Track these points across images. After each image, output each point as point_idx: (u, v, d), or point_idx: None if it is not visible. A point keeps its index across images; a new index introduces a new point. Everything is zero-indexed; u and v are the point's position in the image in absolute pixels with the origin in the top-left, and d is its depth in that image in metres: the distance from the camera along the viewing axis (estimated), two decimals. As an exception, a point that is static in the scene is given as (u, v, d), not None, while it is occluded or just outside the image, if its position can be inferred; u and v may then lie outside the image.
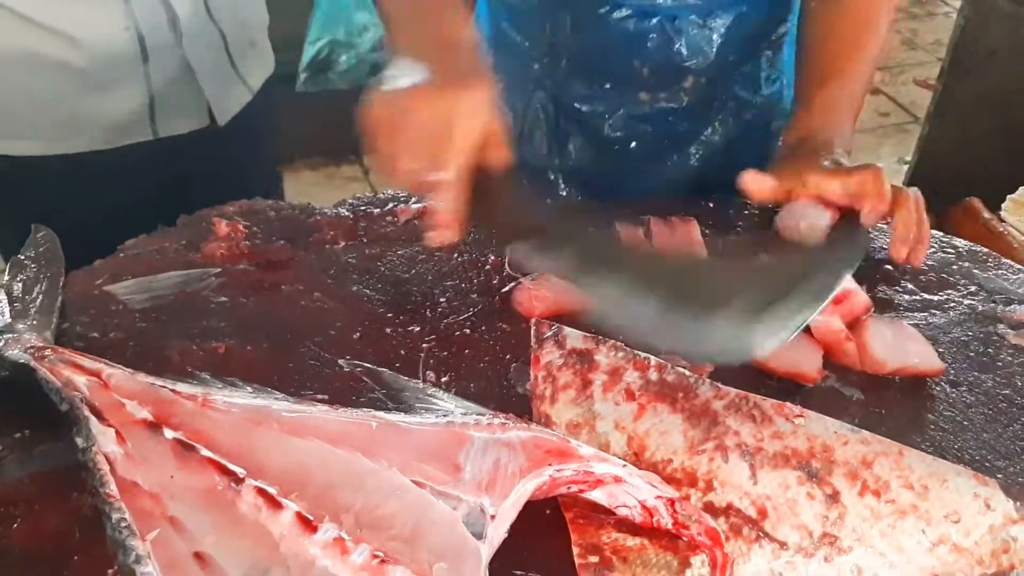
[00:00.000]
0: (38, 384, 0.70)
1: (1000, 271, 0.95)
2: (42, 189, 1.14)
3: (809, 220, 0.88)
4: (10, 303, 0.79)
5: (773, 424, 0.70)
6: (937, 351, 0.84)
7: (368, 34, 2.45)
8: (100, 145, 1.15)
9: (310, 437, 0.66)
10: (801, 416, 0.70)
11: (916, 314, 0.88)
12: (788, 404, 0.71)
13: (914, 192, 0.90)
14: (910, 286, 0.92)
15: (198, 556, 0.59)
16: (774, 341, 0.70)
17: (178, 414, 0.67)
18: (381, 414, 0.68)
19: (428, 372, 0.78)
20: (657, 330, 0.70)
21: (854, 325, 0.83)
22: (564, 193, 1.14)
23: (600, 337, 0.74)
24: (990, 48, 2.09)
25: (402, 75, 0.77)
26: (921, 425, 0.77)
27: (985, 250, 0.98)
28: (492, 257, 0.91)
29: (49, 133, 1.12)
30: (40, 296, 0.80)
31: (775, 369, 0.80)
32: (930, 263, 0.95)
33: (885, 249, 0.96)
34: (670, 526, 0.63)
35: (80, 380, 0.69)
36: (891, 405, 0.78)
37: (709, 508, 0.66)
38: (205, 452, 0.64)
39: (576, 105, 1.10)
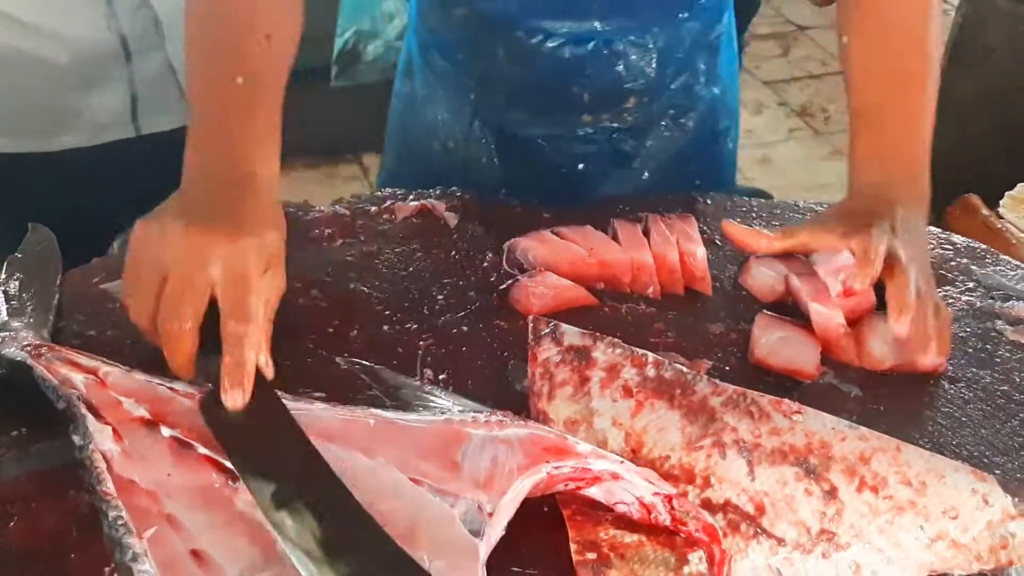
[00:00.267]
0: (35, 382, 0.70)
1: (998, 267, 0.95)
2: (25, 187, 1.14)
3: (759, 279, 0.88)
4: (7, 301, 0.79)
5: (771, 420, 0.70)
6: (935, 347, 0.84)
7: (395, 21, 2.39)
8: (82, 142, 1.15)
9: (307, 435, 0.65)
10: (799, 412, 0.70)
11: (914, 310, 0.88)
12: (786, 400, 0.71)
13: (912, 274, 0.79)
14: (908, 283, 0.91)
15: (195, 554, 0.59)
16: None
17: (175, 412, 0.67)
18: (379, 412, 0.68)
19: (426, 370, 0.78)
20: None
21: (854, 322, 0.83)
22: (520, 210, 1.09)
23: (597, 334, 0.74)
24: (988, 46, 2.09)
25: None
26: (919, 421, 0.77)
27: (983, 247, 0.98)
28: (490, 255, 0.91)
29: (31, 130, 1.12)
30: (37, 294, 0.80)
31: (773, 366, 0.80)
32: (929, 259, 0.95)
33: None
34: (668, 523, 0.63)
35: (77, 378, 0.69)
36: (889, 401, 0.78)
37: (707, 504, 0.66)
38: (202, 450, 0.64)
39: (516, 132, 1.08)
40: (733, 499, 0.66)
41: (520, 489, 0.63)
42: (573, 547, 0.62)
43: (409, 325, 0.82)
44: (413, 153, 1.17)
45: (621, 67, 1.03)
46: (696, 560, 0.62)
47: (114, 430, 0.65)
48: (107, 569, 0.60)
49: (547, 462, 0.64)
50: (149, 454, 0.64)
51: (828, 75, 3.38)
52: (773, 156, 3.00)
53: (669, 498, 0.63)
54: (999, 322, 0.87)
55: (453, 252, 0.91)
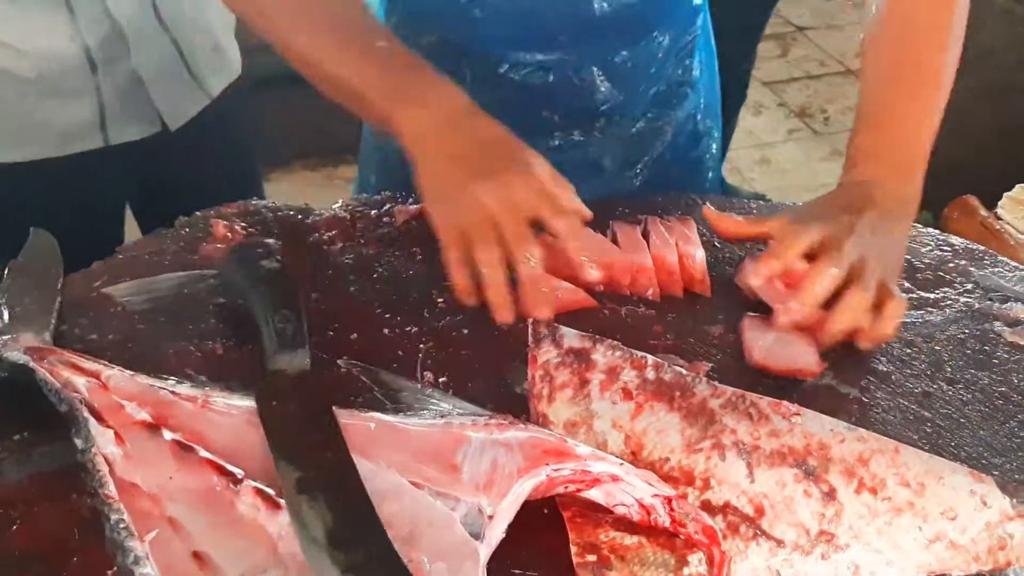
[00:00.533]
0: (37, 385, 0.70)
1: (996, 269, 0.95)
2: None
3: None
4: (8, 305, 0.79)
5: (770, 422, 0.70)
6: (934, 349, 0.84)
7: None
8: (51, 153, 1.15)
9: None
10: (798, 414, 0.71)
11: (913, 312, 0.88)
12: (785, 402, 0.71)
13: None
14: (907, 284, 0.92)
15: (197, 556, 0.59)
16: None
17: (177, 415, 0.67)
18: (379, 415, 0.69)
19: (426, 372, 0.78)
20: None
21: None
22: None
23: (597, 336, 0.75)
24: (987, 46, 2.09)
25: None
26: (917, 422, 0.77)
27: (982, 248, 0.99)
28: (489, 257, 0.91)
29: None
30: (38, 298, 0.80)
31: (774, 368, 0.80)
32: (927, 261, 0.95)
33: (881, 247, 0.96)
34: (668, 524, 0.63)
35: (79, 381, 0.69)
36: (887, 403, 0.78)
37: (706, 506, 0.66)
38: (204, 453, 0.65)
39: None
40: (732, 501, 0.66)
41: (520, 491, 0.63)
42: (573, 549, 0.63)
43: (409, 328, 0.83)
44: (390, 163, 1.16)
45: (591, 91, 1.03)
46: (696, 562, 0.62)
47: (116, 433, 0.65)
48: (109, 572, 0.60)
49: (547, 464, 0.64)
50: (151, 457, 0.65)
51: (827, 76, 3.38)
52: (772, 157, 3.00)
53: (669, 500, 0.63)
54: (997, 323, 0.88)
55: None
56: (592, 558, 0.62)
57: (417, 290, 0.87)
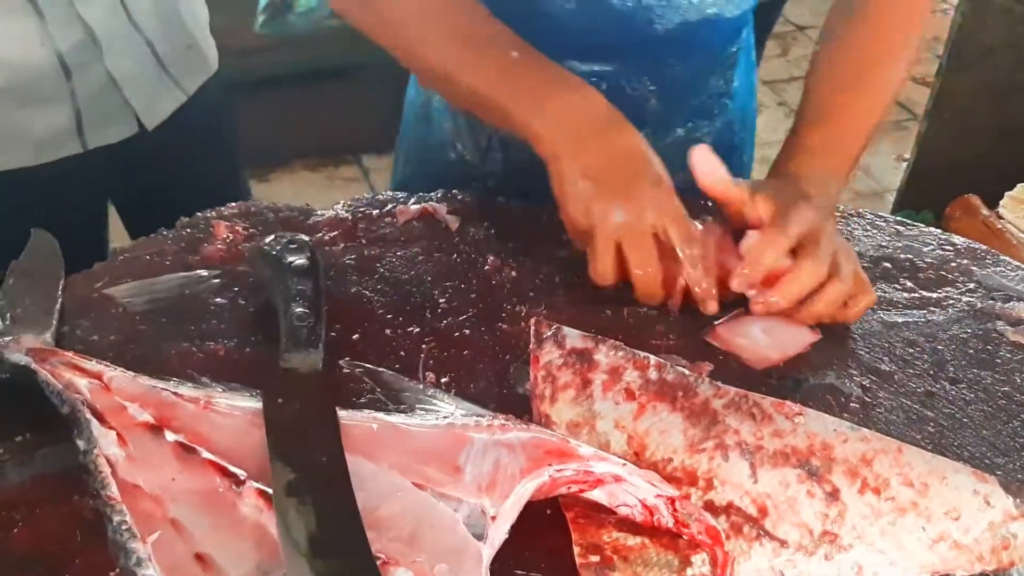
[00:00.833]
0: (39, 386, 0.70)
1: (998, 268, 0.95)
2: None
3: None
4: (10, 306, 0.79)
5: (773, 422, 0.70)
6: (936, 348, 0.84)
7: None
8: (29, 161, 1.14)
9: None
10: (800, 414, 0.71)
11: (915, 311, 0.88)
12: (788, 402, 0.71)
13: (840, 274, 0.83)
14: (909, 283, 0.92)
15: (199, 558, 0.59)
16: None
17: (180, 417, 0.67)
18: (381, 416, 0.69)
19: (428, 373, 0.78)
20: None
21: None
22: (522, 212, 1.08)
23: (599, 336, 0.75)
24: (988, 45, 2.09)
25: None
26: (920, 422, 0.77)
27: (983, 247, 0.98)
28: (491, 257, 0.91)
29: None
30: (40, 299, 0.80)
31: (776, 359, 0.81)
32: (928, 260, 0.95)
33: (884, 247, 0.96)
34: (671, 525, 0.63)
35: (81, 383, 0.69)
36: (890, 402, 0.78)
37: (709, 507, 0.66)
38: (206, 454, 0.65)
39: (532, 152, 1.09)
40: (736, 501, 0.66)
41: (523, 492, 0.63)
42: (576, 550, 0.63)
43: (411, 328, 0.82)
44: (427, 162, 1.16)
45: (641, 100, 1.03)
46: (699, 562, 0.62)
47: (118, 435, 0.65)
48: (111, 574, 0.60)
49: (549, 465, 0.64)
50: (153, 458, 0.65)
51: (827, 75, 3.37)
52: (772, 156, 2.98)
53: (672, 500, 0.63)
54: (1000, 323, 0.88)
55: (455, 255, 0.92)
56: (595, 559, 0.62)
57: (419, 290, 0.87)
